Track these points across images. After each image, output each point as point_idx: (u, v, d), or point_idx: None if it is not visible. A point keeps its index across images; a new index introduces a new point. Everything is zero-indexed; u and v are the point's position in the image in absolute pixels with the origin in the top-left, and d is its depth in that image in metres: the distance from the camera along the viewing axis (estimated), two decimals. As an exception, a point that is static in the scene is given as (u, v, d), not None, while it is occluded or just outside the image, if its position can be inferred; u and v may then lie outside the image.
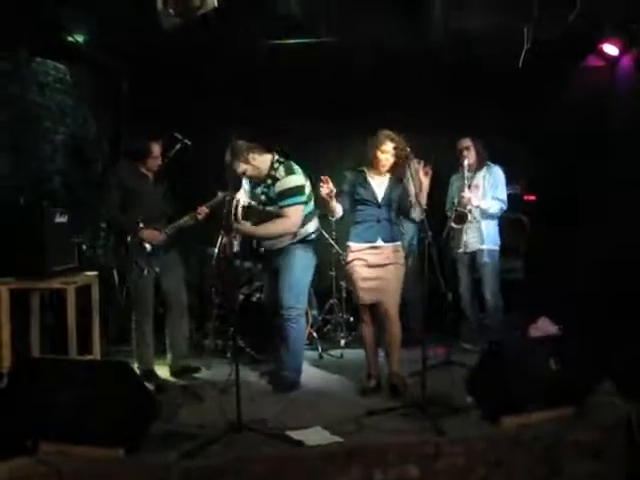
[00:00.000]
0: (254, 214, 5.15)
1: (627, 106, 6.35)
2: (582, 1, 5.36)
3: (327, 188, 4.63)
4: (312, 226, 5.20)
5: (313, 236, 5.24)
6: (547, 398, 4.04)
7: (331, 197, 4.70)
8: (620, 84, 6.58)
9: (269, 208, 5.09)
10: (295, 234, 5.06)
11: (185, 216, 5.39)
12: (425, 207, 4.76)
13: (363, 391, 4.95)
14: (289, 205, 4.99)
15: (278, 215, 5.03)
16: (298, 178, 5.07)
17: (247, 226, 5.11)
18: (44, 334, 5.42)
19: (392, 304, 4.90)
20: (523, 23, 5.54)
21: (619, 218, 6.17)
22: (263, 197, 5.12)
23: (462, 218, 5.91)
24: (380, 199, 4.94)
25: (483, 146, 6.07)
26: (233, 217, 5.08)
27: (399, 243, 5.01)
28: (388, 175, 5.00)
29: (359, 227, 4.97)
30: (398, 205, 5.02)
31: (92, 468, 3.52)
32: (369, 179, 4.98)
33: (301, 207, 5.02)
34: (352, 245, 4.97)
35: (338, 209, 4.88)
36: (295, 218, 5.01)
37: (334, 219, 5.05)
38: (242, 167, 5.03)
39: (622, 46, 6.41)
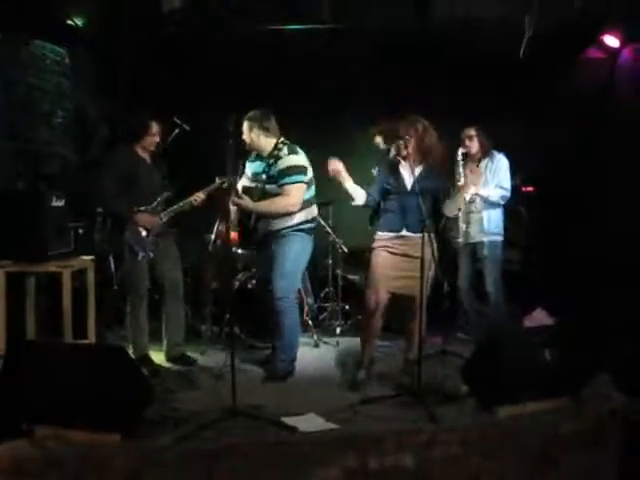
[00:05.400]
0: (255, 194, 5.13)
1: (627, 98, 6.34)
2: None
3: (333, 164, 4.64)
4: (309, 213, 5.15)
5: (310, 225, 5.17)
6: (543, 389, 4.04)
7: (340, 175, 4.67)
8: (620, 76, 6.56)
9: (269, 187, 5.07)
10: (292, 217, 5.01)
11: (181, 201, 5.36)
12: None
13: (353, 385, 4.81)
14: (290, 183, 4.95)
15: (278, 194, 5.01)
16: (301, 158, 5.06)
17: (247, 201, 5.03)
18: (39, 317, 5.41)
19: (418, 298, 4.62)
20: (525, 12, 5.52)
21: (618, 209, 6.17)
22: (264, 176, 5.11)
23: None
24: (409, 187, 4.82)
25: (487, 136, 6.03)
26: (234, 193, 5.01)
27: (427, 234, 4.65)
28: (423, 163, 4.86)
29: (387, 216, 4.89)
30: (432, 196, 4.85)
31: (87, 452, 3.51)
32: (400, 167, 4.89)
33: (302, 186, 4.98)
34: (379, 234, 4.90)
35: (358, 194, 4.82)
36: (296, 196, 4.97)
37: (354, 204, 4.94)
38: (248, 138, 5.08)
39: (623, 38, 6.40)
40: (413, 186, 4.77)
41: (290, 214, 5.02)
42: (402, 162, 4.89)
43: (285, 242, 5.05)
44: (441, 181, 4.94)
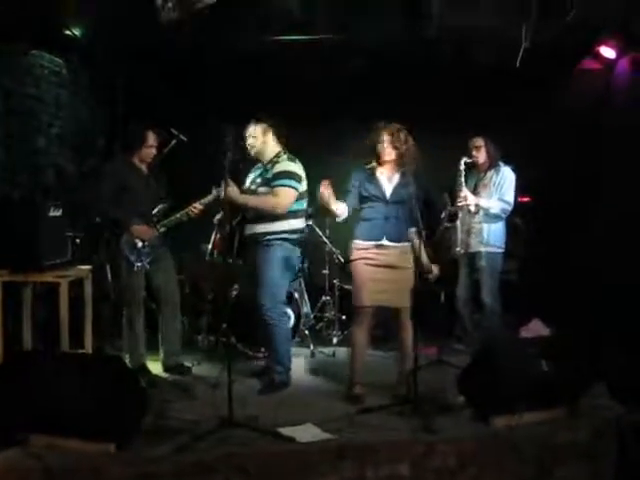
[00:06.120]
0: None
1: (623, 108, 6.37)
2: (579, 3, 5.36)
3: (326, 190, 4.52)
4: (296, 223, 5.12)
5: (295, 236, 5.12)
6: (539, 399, 4.05)
7: (329, 201, 4.55)
8: (616, 87, 6.59)
9: (262, 189, 5.08)
10: (277, 223, 5.00)
11: (178, 213, 5.36)
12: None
13: (350, 399, 4.72)
14: (281, 185, 4.96)
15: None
16: (297, 167, 5.08)
17: (235, 191, 4.93)
18: (36, 327, 5.40)
19: (403, 309, 4.72)
20: (521, 22, 5.53)
21: (614, 220, 6.18)
22: (259, 179, 5.14)
23: (453, 216, 5.89)
24: (388, 195, 4.73)
25: (495, 147, 6.02)
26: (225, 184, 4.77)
27: (408, 244, 4.73)
28: (400, 172, 4.75)
29: (365, 224, 4.76)
30: (409, 206, 4.65)
31: (81, 462, 3.50)
32: (378, 175, 4.78)
33: (292, 191, 4.98)
34: (357, 243, 4.77)
35: (341, 210, 4.66)
36: (284, 198, 4.97)
37: (340, 220, 4.78)
38: (257, 140, 5.12)
39: (619, 49, 6.42)
40: (392, 194, 4.74)
41: (275, 219, 4.99)
42: (381, 170, 4.82)
43: (268, 252, 5.02)
44: (420, 188, 4.76)
